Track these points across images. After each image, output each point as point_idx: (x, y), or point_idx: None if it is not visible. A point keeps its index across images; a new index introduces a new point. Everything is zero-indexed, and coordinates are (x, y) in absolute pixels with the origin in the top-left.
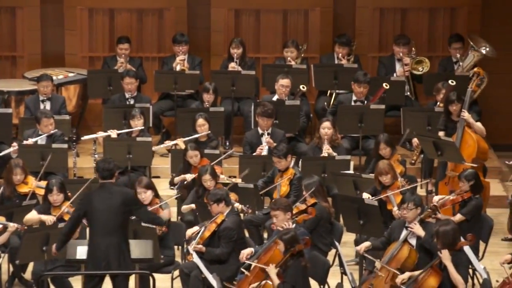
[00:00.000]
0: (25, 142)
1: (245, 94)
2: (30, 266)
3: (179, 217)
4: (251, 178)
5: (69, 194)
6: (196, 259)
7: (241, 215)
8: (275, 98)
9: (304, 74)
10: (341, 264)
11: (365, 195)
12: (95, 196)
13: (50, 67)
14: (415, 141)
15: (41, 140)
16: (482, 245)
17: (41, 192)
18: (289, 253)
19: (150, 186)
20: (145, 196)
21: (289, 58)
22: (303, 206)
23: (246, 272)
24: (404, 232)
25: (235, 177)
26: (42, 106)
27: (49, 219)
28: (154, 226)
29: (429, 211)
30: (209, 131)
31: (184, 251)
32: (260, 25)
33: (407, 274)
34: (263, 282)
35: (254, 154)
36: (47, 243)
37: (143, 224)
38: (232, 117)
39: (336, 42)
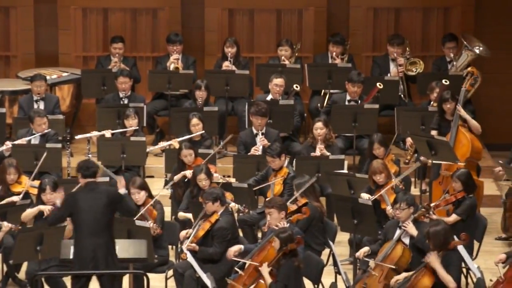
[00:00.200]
0: (18, 141)
1: (239, 94)
2: (24, 266)
3: (173, 217)
4: (245, 178)
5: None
6: (190, 258)
7: (236, 214)
8: (269, 97)
9: (298, 74)
10: (335, 264)
11: (365, 196)
12: (81, 196)
13: (44, 67)
14: (408, 140)
15: (35, 139)
16: (476, 244)
17: (35, 191)
18: (281, 252)
19: (144, 187)
20: (139, 196)
21: (283, 58)
22: (294, 207)
23: (239, 272)
24: (398, 232)
25: (229, 176)
26: (36, 106)
27: (47, 208)
28: (147, 226)
29: (423, 211)
30: (203, 131)
31: (178, 251)
32: (254, 24)
33: (402, 275)
34: (257, 281)
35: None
36: (41, 243)
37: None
38: (226, 117)
39: (330, 41)
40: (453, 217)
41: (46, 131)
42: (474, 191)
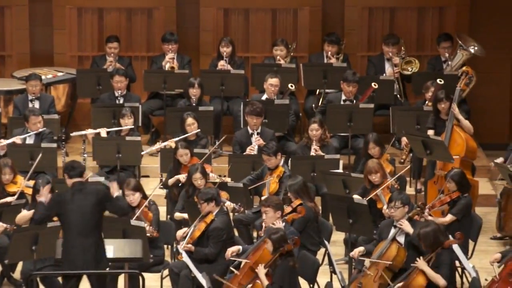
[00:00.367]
0: (12, 139)
1: (235, 94)
2: (19, 265)
3: (168, 217)
4: (240, 177)
5: None
6: (185, 258)
7: (231, 214)
8: (264, 97)
9: (293, 73)
10: (330, 263)
11: (356, 197)
12: (68, 197)
13: (39, 67)
14: (404, 140)
15: (30, 138)
16: (471, 243)
17: (30, 191)
18: (278, 253)
19: (138, 188)
20: (133, 198)
21: (278, 57)
22: (288, 209)
23: (235, 271)
24: (392, 231)
25: (225, 176)
26: (31, 106)
27: None
28: (143, 226)
29: (417, 210)
30: (199, 129)
31: (174, 251)
32: (249, 24)
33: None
34: (254, 282)
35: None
36: (36, 242)
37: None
38: (222, 117)
39: (325, 40)
40: (449, 217)
41: (41, 129)
42: (469, 191)
